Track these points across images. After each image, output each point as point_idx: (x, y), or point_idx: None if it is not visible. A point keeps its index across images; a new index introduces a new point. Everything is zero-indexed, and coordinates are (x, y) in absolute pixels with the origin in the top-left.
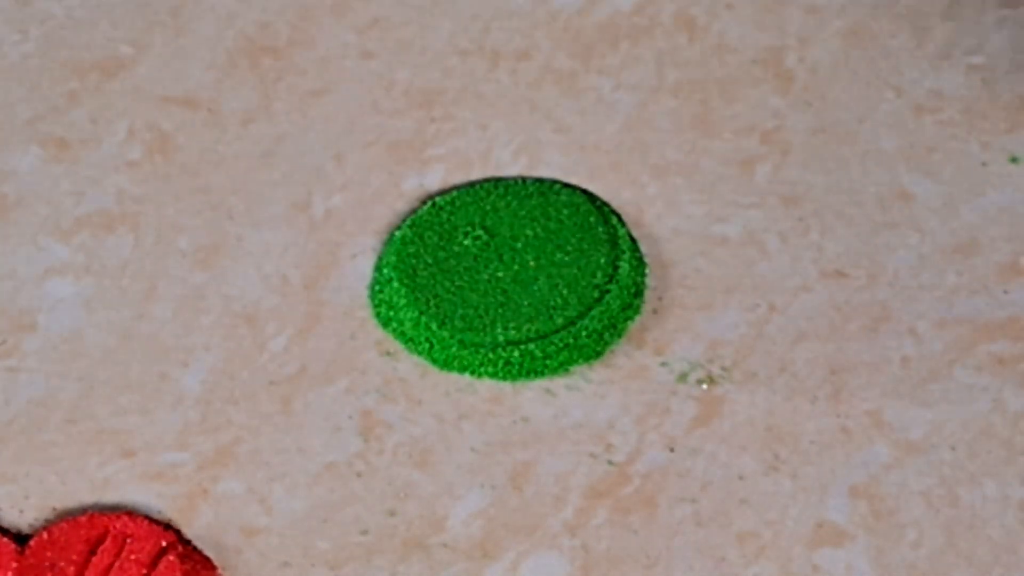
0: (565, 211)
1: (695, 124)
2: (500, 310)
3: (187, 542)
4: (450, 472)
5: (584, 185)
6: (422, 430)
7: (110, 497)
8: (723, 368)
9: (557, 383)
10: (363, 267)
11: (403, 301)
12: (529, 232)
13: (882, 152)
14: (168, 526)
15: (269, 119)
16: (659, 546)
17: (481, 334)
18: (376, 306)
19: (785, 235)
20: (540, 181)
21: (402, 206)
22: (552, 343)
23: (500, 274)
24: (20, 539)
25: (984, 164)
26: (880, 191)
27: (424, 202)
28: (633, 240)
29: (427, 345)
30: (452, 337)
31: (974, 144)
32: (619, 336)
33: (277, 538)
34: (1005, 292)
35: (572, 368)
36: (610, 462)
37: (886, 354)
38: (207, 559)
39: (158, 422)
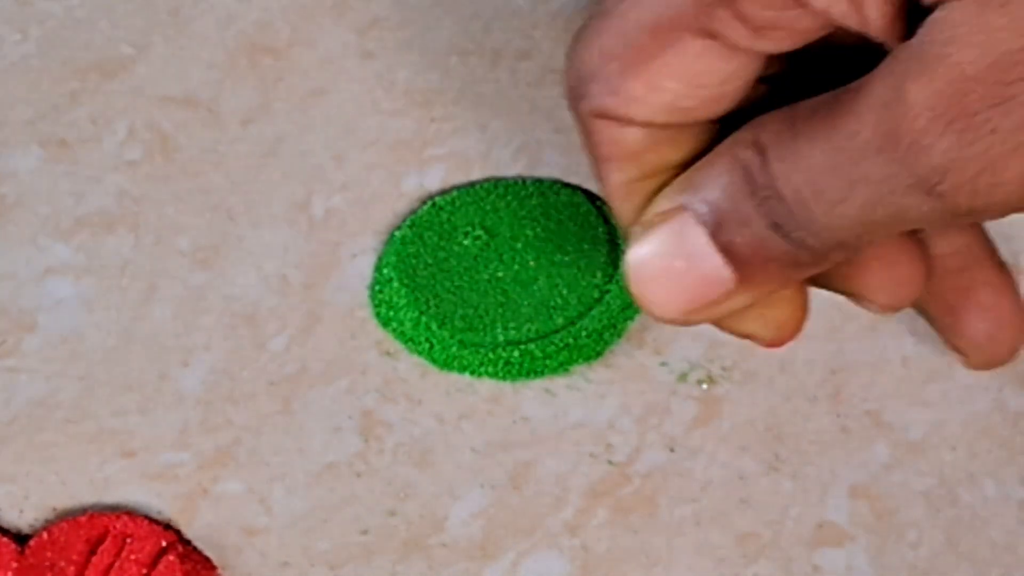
0: (565, 211)
1: None
2: (500, 310)
3: (187, 542)
4: (450, 472)
5: (584, 185)
6: (422, 430)
7: (110, 497)
8: (723, 368)
9: (557, 383)
10: (363, 267)
11: (403, 301)
12: (529, 232)
13: None
14: (168, 526)
15: (269, 119)
16: (659, 546)
17: (481, 334)
18: (376, 306)
19: None
20: (540, 181)
21: (402, 206)
22: (552, 343)
23: (500, 274)
24: (20, 539)
25: None
26: None
27: (424, 202)
28: None
29: (427, 345)
30: (452, 337)
31: None
32: (619, 336)
33: (277, 538)
34: None
35: (572, 368)
36: (610, 462)
37: (886, 354)
38: (207, 559)
39: (158, 422)
